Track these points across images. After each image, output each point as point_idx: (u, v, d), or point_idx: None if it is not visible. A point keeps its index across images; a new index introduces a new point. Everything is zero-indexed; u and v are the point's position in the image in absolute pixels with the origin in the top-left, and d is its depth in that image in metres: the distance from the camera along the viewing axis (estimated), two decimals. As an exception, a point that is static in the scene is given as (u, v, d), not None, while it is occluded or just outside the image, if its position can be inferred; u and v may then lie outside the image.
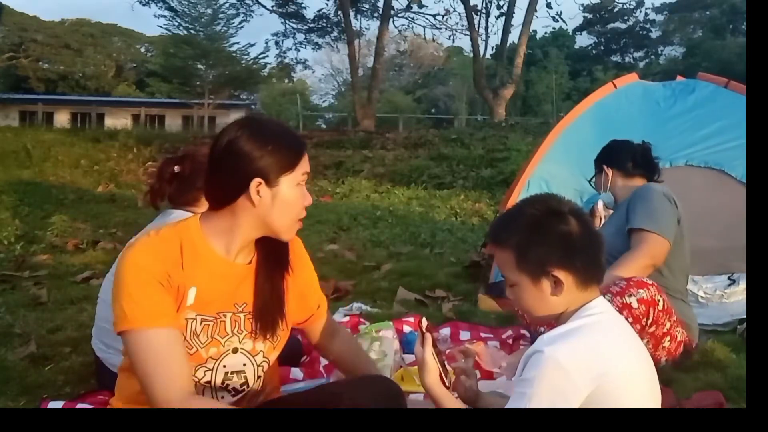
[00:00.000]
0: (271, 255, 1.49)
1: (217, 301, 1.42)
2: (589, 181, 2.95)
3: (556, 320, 1.39)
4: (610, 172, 2.78)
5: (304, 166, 1.42)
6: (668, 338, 2.39)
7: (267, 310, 1.47)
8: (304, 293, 1.61)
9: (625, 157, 2.76)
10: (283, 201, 1.38)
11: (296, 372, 2.31)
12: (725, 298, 3.29)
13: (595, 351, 1.27)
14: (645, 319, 2.27)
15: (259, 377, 1.50)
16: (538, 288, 1.36)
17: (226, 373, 1.44)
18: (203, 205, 2.22)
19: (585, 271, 1.36)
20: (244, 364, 1.46)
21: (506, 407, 1.31)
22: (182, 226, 1.41)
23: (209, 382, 1.43)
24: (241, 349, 1.45)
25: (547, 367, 1.24)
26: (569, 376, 1.23)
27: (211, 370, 1.42)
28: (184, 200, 2.24)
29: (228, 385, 1.45)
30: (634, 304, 2.25)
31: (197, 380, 1.41)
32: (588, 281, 1.37)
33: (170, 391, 1.30)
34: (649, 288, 2.30)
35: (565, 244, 1.34)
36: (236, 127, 1.39)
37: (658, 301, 2.31)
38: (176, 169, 2.23)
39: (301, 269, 1.59)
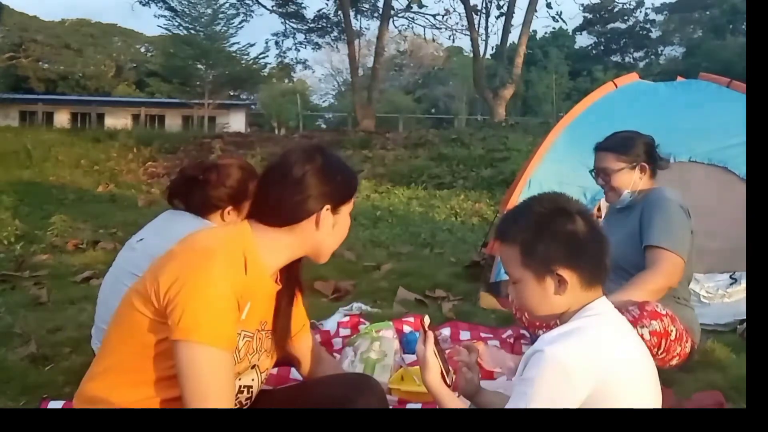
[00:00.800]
0: (293, 277, 1.57)
1: (256, 318, 1.46)
2: (599, 174, 2.62)
3: (557, 320, 1.39)
4: (648, 170, 2.56)
5: (354, 196, 1.55)
6: (676, 359, 2.36)
7: (284, 330, 1.55)
8: (295, 311, 1.65)
9: (655, 154, 2.58)
10: (340, 227, 1.50)
11: (296, 373, 2.31)
12: (727, 297, 3.29)
13: (596, 351, 1.27)
14: (656, 349, 2.23)
15: (258, 391, 1.55)
16: (542, 286, 1.36)
17: (240, 386, 1.47)
18: (211, 221, 2.24)
19: (589, 272, 1.36)
20: (253, 379, 1.51)
21: (507, 407, 1.31)
22: (242, 238, 1.42)
23: None
24: (257, 366, 1.50)
25: (548, 366, 1.24)
26: (570, 376, 1.23)
27: None
28: (195, 208, 2.24)
29: (238, 398, 1.48)
30: (646, 336, 2.20)
31: None
32: (592, 282, 1.37)
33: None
34: (662, 319, 2.26)
35: (571, 243, 1.35)
36: (309, 156, 1.47)
37: (671, 331, 2.27)
38: (201, 176, 2.23)
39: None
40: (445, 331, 2.94)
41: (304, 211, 1.44)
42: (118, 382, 1.38)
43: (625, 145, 2.58)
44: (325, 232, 1.47)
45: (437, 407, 1.51)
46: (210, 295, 1.29)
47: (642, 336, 2.18)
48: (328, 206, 1.45)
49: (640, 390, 1.32)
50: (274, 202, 1.45)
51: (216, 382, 1.29)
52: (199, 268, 1.31)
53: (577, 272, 1.35)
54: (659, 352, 2.25)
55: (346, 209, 1.51)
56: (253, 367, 1.48)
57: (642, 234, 2.46)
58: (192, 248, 1.37)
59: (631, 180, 2.56)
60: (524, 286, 1.39)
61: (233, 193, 2.24)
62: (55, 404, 2.05)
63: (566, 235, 1.35)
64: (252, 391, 1.52)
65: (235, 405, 1.48)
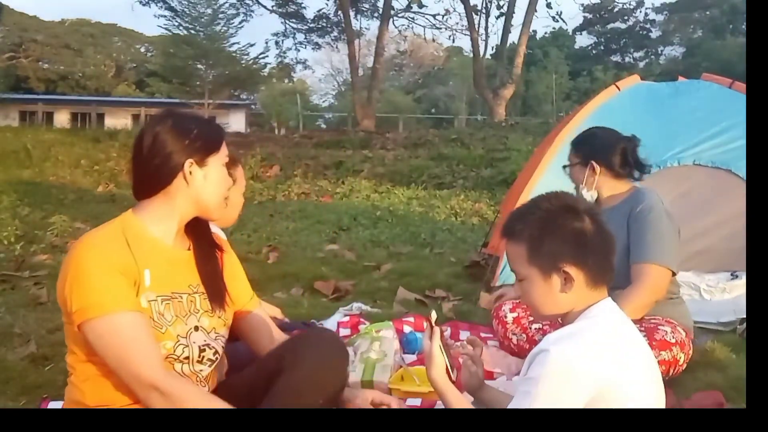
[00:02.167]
0: (203, 239, 1.63)
1: (170, 282, 1.51)
2: (564, 168, 2.65)
3: (562, 319, 1.39)
4: (599, 169, 2.49)
5: (225, 149, 1.58)
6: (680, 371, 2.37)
7: (215, 288, 1.59)
8: (235, 278, 1.70)
9: (615, 154, 2.48)
10: (212, 179, 1.54)
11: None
12: (727, 291, 3.29)
13: (601, 352, 1.27)
14: (665, 376, 2.23)
15: (222, 350, 1.60)
16: (548, 283, 1.36)
17: (199, 347, 1.53)
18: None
19: (596, 270, 1.36)
20: (205, 340, 1.54)
21: (510, 406, 1.31)
22: (120, 220, 1.52)
23: (188, 358, 1.51)
24: (201, 327, 1.54)
25: (553, 366, 1.24)
26: (574, 377, 1.23)
27: (188, 346, 1.51)
28: None
29: (203, 357, 1.54)
30: None
31: (177, 357, 1.49)
32: (598, 281, 1.36)
33: (153, 369, 1.37)
34: (671, 348, 2.26)
35: (578, 240, 1.35)
36: (159, 119, 1.54)
37: (680, 358, 2.28)
38: None
39: (228, 259, 1.70)
40: (445, 332, 2.94)
41: (166, 171, 1.49)
42: (83, 386, 1.47)
43: (580, 141, 2.58)
44: (198, 187, 1.51)
45: (441, 405, 1.51)
46: (87, 276, 1.38)
47: None
48: (190, 160, 1.49)
49: (644, 391, 1.32)
50: (140, 174, 1.53)
51: (128, 343, 1.37)
52: (72, 261, 1.42)
53: (583, 270, 1.35)
54: (666, 378, 2.24)
55: (215, 161, 1.54)
56: (197, 329, 1.52)
57: (631, 250, 2.38)
58: (69, 252, 1.47)
59: (583, 177, 2.51)
60: (530, 284, 1.39)
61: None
62: (55, 404, 2.05)
63: (574, 232, 1.35)
64: (214, 347, 1.56)
65: (205, 363, 1.54)
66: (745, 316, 2.99)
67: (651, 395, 1.33)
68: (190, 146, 1.50)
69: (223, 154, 1.56)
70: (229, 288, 1.65)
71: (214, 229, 2.10)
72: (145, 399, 1.39)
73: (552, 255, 1.35)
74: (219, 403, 1.43)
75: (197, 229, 1.61)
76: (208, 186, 1.53)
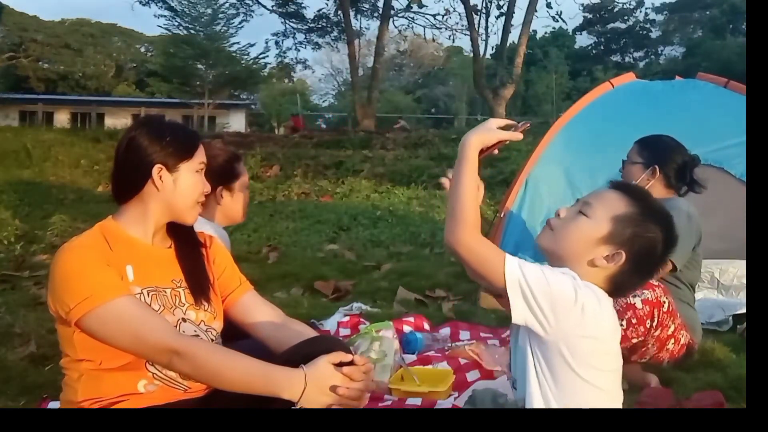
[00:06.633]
0: (183, 237, 1.65)
1: (152, 277, 1.53)
2: (623, 162, 2.75)
3: None
4: (658, 174, 2.61)
5: (201, 156, 1.60)
6: (672, 340, 2.37)
7: (197, 282, 1.61)
8: (221, 269, 1.71)
9: (676, 165, 2.62)
10: (183, 185, 1.57)
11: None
12: (717, 275, 3.31)
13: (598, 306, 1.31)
14: (650, 321, 2.25)
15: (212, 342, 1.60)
16: (597, 245, 1.37)
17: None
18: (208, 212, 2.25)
19: (625, 282, 1.38)
20: (195, 331, 1.56)
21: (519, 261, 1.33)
22: (98, 225, 1.56)
23: None
24: (188, 319, 1.56)
25: (570, 277, 1.29)
26: (578, 293, 1.27)
27: None
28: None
29: None
30: (639, 305, 2.23)
31: None
32: (613, 286, 1.37)
33: (167, 335, 1.41)
34: (654, 289, 2.27)
35: (649, 256, 1.37)
36: (135, 125, 1.59)
37: (664, 302, 2.29)
38: None
39: (213, 252, 1.72)
40: (445, 331, 2.94)
41: (138, 175, 1.53)
42: (76, 385, 1.49)
43: (647, 144, 2.68)
44: (168, 192, 1.54)
45: (440, 405, 1.49)
46: (77, 273, 1.42)
47: (634, 305, 2.23)
48: (160, 166, 1.53)
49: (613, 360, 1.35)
50: (115, 178, 1.58)
51: (137, 320, 1.41)
52: (59, 266, 1.45)
53: (622, 271, 1.36)
54: (653, 326, 2.26)
55: (187, 167, 1.56)
56: (184, 320, 1.54)
57: None
58: (54, 260, 1.49)
59: (639, 176, 2.63)
60: (588, 227, 1.38)
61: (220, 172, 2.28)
62: (55, 404, 2.05)
63: (654, 251, 1.37)
64: (204, 339, 1.56)
65: None
66: (738, 314, 3.03)
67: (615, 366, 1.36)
68: (161, 152, 1.53)
69: (196, 161, 1.58)
70: (216, 279, 1.67)
71: (209, 227, 2.11)
72: (169, 366, 1.43)
73: (631, 238, 1.35)
74: (237, 358, 1.43)
75: (178, 228, 1.63)
76: (179, 191, 1.56)
